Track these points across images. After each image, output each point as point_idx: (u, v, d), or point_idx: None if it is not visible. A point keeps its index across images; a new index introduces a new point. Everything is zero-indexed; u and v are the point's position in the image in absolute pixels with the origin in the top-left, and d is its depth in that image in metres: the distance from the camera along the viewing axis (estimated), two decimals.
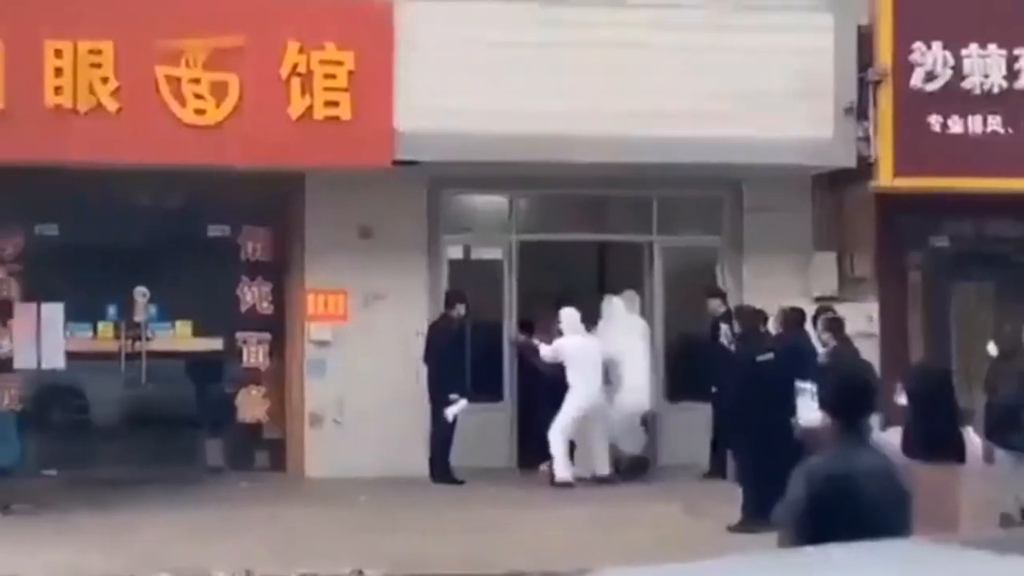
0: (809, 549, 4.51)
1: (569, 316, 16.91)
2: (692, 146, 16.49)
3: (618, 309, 17.46)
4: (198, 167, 15.84)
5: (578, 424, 16.68)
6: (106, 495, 15.38)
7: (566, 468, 16.60)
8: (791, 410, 13.49)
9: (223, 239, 17.83)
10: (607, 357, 16.87)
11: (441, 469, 16.67)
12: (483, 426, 17.25)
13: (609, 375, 17.02)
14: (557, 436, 16.59)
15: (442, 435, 16.76)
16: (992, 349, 15.74)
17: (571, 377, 16.65)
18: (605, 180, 17.60)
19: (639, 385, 17.02)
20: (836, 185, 17.92)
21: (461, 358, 17.04)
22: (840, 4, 17.08)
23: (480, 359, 17.67)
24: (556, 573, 11.81)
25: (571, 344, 16.78)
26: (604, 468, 16.92)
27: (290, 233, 17.71)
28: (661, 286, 18.42)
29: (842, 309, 16.69)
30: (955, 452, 6.49)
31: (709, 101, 16.59)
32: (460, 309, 16.98)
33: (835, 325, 15.39)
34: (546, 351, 16.87)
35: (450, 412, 16.62)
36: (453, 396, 16.62)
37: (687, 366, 17.86)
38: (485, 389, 17.64)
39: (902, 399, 11.89)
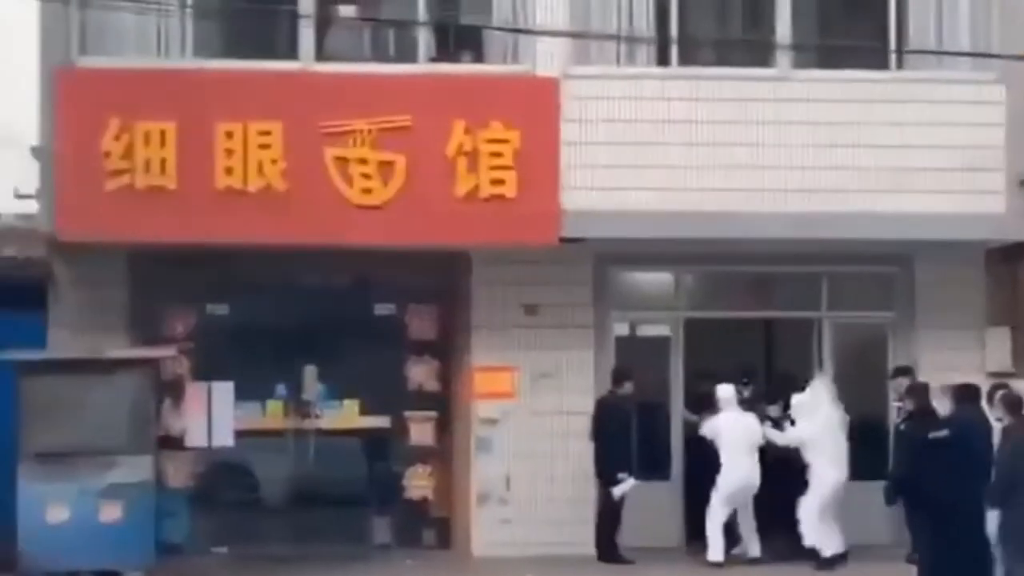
0: None
1: (724, 392, 16.68)
2: (862, 221, 16.32)
3: (822, 392, 16.84)
4: (365, 246, 15.96)
5: (729, 503, 16.47)
6: (275, 573, 15.44)
7: (717, 549, 16.33)
8: (970, 488, 13.08)
9: (390, 318, 17.92)
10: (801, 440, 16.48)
11: (608, 549, 16.50)
12: (651, 505, 17.03)
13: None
14: (710, 516, 16.42)
15: (609, 514, 16.59)
16: None
17: (722, 456, 16.46)
18: (773, 256, 17.39)
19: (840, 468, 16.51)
20: (1010, 259, 17.50)
21: (628, 436, 16.84)
22: (1012, 75, 16.74)
23: (647, 436, 17.49)
24: None
25: (724, 421, 16.54)
26: (755, 550, 16.62)
27: (457, 311, 17.74)
28: (831, 363, 18.09)
29: (1017, 385, 16.22)
30: None
31: (879, 175, 16.43)
32: (627, 386, 16.82)
33: (1011, 400, 14.94)
34: (704, 428, 16.68)
35: (618, 491, 16.47)
36: (621, 475, 16.46)
37: (864, 444, 17.41)
38: (652, 467, 17.45)
39: None
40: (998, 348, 17.80)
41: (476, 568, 16.58)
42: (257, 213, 15.67)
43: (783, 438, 16.53)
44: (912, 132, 16.47)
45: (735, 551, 16.59)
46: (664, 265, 18.03)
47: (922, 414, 14.54)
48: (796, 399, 16.64)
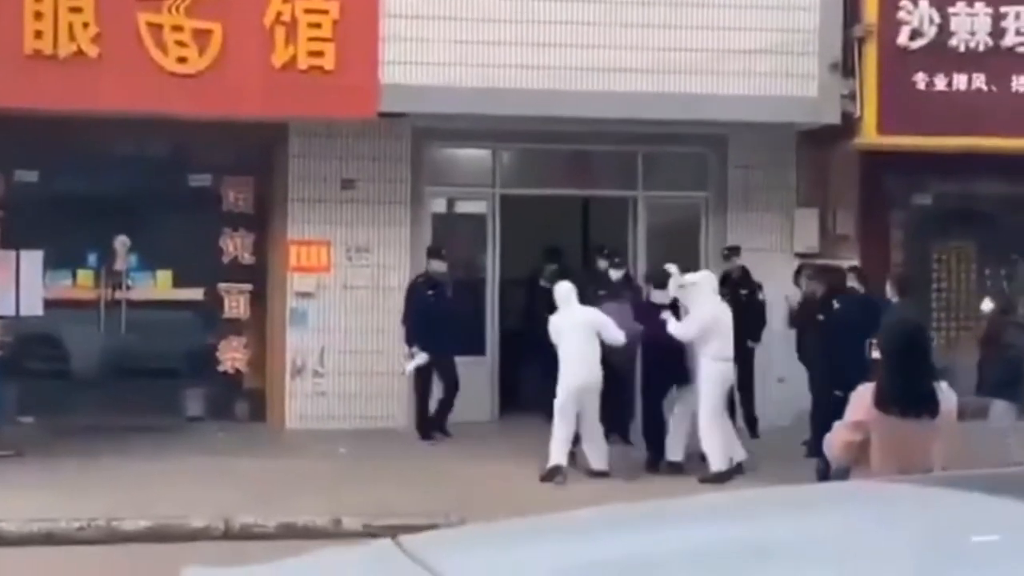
0: (767, 491, 4.46)
1: (562, 290, 14.82)
2: (677, 102, 16.47)
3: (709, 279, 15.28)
4: (180, 116, 15.74)
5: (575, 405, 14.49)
6: (85, 443, 15.34)
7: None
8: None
9: (205, 189, 17.75)
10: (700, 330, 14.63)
11: (421, 423, 16.61)
12: (467, 381, 17.20)
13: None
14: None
15: (419, 389, 16.64)
16: (987, 305, 15.85)
17: (562, 357, 14.53)
18: (590, 135, 17.55)
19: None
20: (820, 142, 17.87)
21: (430, 313, 16.52)
22: None
23: (465, 313, 17.62)
24: None
25: (565, 320, 14.68)
26: (600, 462, 14.64)
27: (273, 184, 17.63)
28: (645, 242, 18.37)
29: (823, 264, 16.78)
30: (929, 407, 6.48)
31: (695, 56, 16.58)
32: (436, 264, 16.76)
33: (900, 279, 15.46)
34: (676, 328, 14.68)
35: (409, 366, 16.46)
36: (413, 350, 16.44)
37: None
38: (470, 344, 17.61)
39: (876, 354, 11.89)
40: (806, 229, 18.23)
41: (289, 440, 16.65)
42: (68, 79, 15.32)
43: (680, 329, 14.60)
44: (727, 14, 16.63)
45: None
46: (482, 142, 18.09)
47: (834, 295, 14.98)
48: (688, 278, 15.01)
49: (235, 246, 17.80)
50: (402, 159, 17.59)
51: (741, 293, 16.57)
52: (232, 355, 17.78)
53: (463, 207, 19.04)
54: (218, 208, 17.74)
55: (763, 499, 3.71)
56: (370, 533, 12.06)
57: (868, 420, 6.03)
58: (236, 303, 17.77)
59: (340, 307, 17.27)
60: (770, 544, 2.98)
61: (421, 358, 16.30)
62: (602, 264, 16.66)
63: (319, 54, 15.96)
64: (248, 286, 17.79)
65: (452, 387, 16.52)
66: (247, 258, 17.83)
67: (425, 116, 16.61)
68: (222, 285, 17.76)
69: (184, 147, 17.18)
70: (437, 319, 16.35)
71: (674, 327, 14.54)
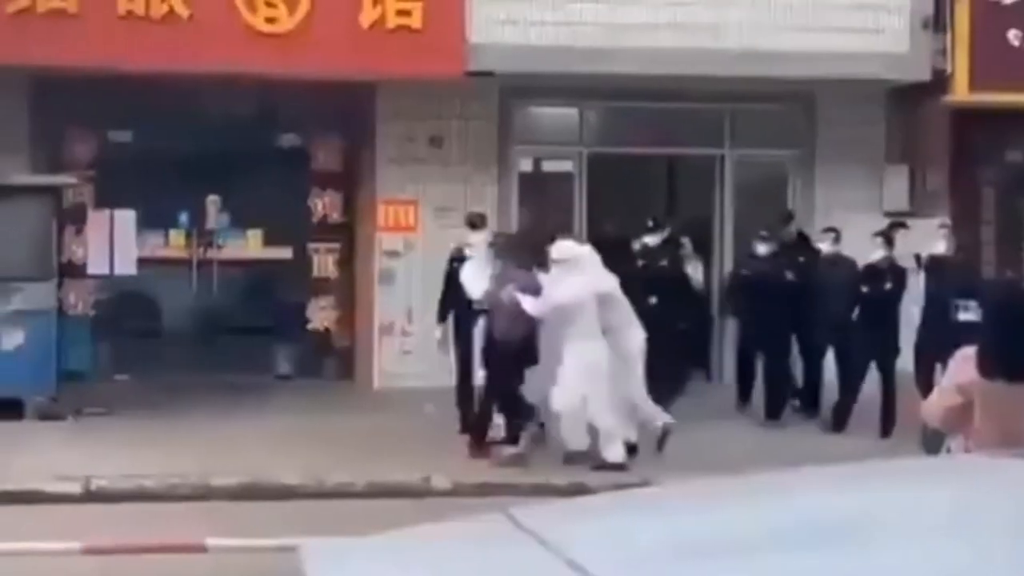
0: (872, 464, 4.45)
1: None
2: (765, 58, 16.34)
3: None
4: (269, 76, 15.82)
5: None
6: (176, 401, 15.52)
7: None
8: None
9: (295, 148, 17.88)
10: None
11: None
12: None
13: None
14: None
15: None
16: None
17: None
18: (677, 93, 17.45)
19: None
20: (911, 99, 17.70)
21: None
22: None
23: None
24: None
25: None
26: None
27: (361, 143, 17.71)
28: (732, 200, 18.30)
29: (913, 224, 16.60)
30: None
31: (784, 13, 16.44)
32: (472, 237, 14.88)
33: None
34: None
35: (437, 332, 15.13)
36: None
37: None
38: None
39: (968, 315, 11.81)
40: (896, 187, 18.07)
41: (377, 399, 16.75)
42: (159, 39, 15.44)
43: (536, 306, 13.04)
44: None
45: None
46: (569, 100, 18.06)
47: None
48: (565, 252, 13.45)
49: (324, 205, 17.94)
50: (489, 118, 17.61)
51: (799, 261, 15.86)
52: (321, 314, 17.91)
53: (550, 166, 19.02)
54: (307, 168, 17.87)
55: (876, 471, 3.71)
56: (459, 492, 12.16)
57: (971, 385, 5.96)
58: (325, 262, 17.91)
59: (427, 266, 17.29)
60: (885, 516, 2.99)
61: (437, 332, 15.11)
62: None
63: (407, 13, 15.97)
64: (337, 245, 17.91)
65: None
66: (336, 217, 17.96)
67: (513, 75, 16.58)
68: (311, 244, 17.90)
69: (274, 107, 17.27)
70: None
71: (529, 303, 12.94)
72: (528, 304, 12.92)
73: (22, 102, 16.68)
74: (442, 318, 14.83)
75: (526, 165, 18.44)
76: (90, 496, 11.83)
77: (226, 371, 17.16)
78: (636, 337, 13.34)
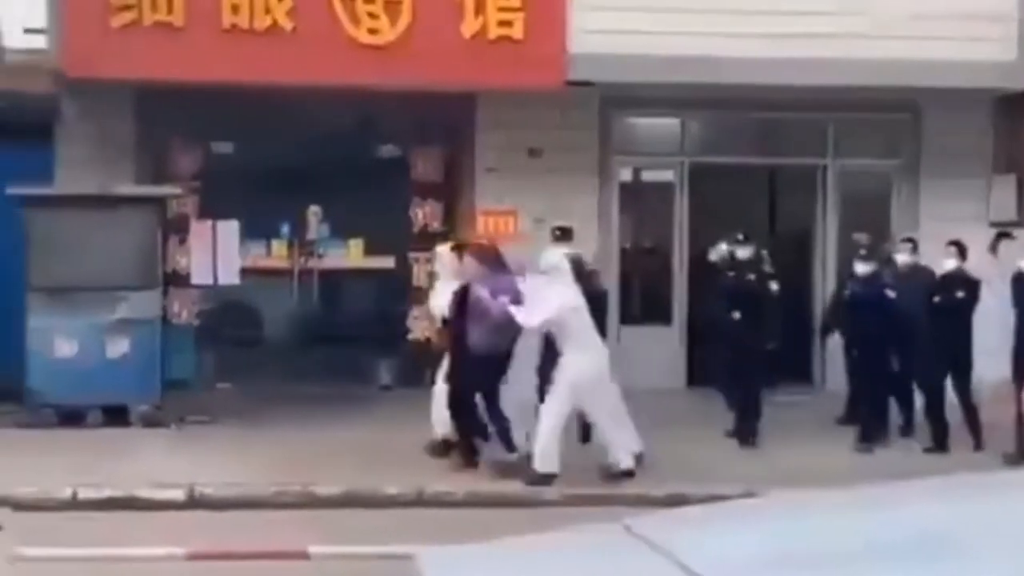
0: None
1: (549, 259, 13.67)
2: (869, 67, 16.18)
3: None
4: (371, 87, 15.90)
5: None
6: (278, 410, 15.62)
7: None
8: None
9: (395, 159, 17.97)
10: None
11: None
12: (652, 350, 17.17)
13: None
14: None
15: None
16: None
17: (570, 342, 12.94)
18: (780, 102, 17.34)
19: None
20: (1018, 108, 17.44)
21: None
22: None
23: (651, 282, 17.59)
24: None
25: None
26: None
27: (461, 153, 17.76)
28: (835, 211, 18.14)
29: (1020, 234, 16.34)
30: None
31: (889, 22, 16.27)
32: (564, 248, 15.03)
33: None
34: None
35: None
36: None
37: None
38: (655, 313, 17.58)
39: None
40: (1003, 197, 17.81)
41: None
42: (263, 51, 15.59)
43: (529, 317, 12.58)
44: None
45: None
46: (670, 110, 18.00)
47: None
48: (551, 261, 13.44)
49: (424, 215, 17.99)
50: (589, 128, 17.60)
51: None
52: (421, 324, 17.94)
53: (650, 176, 18.96)
54: (408, 178, 17.95)
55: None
56: (563, 502, 12.11)
57: None
58: (425, 272, 17.94)
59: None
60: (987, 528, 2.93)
61: None
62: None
63: (508, 23, 16.01)
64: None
65: None
66: (436, 227, 18.01)
67: (613, 85, 16.57)
68: (412, 254, 17.95)
69: (375, 117, 17.36)
70: None
71: (524, 316, 12.52)
72: (522, 317, 12.51)
73: (128, 114, 16.92)
74: None
75: (626, 175, 18.40)
76: (194, 503, 11.92)
77: (327, 381, 17.24)
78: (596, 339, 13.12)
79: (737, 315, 14.42)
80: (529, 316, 12.52)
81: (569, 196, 17.35)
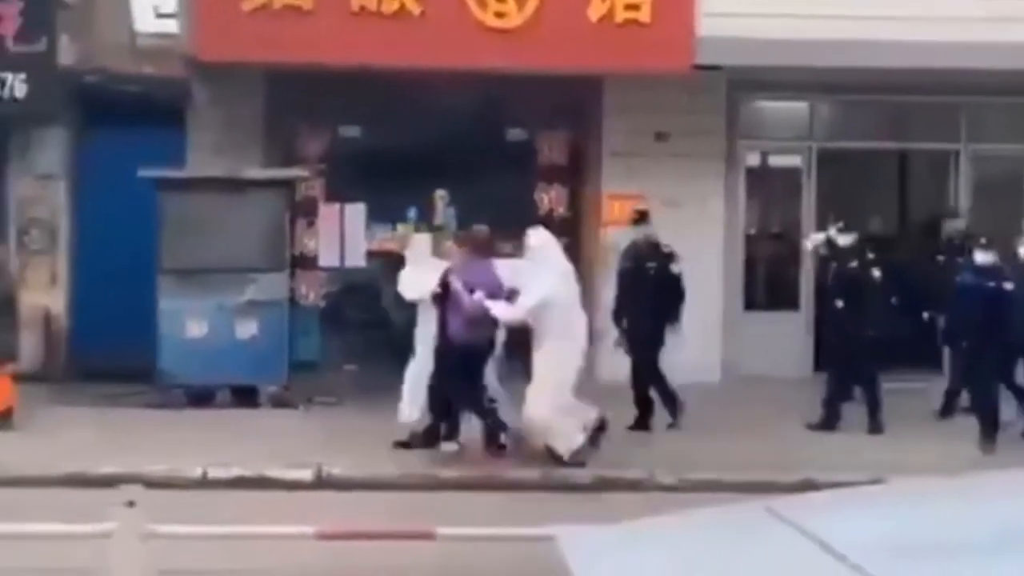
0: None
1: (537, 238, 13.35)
2: (1003, 50, 15.88)
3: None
4: (498, 71, 15.91)
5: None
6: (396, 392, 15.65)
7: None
8: None
9: (521, 143, 17.97)
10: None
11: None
12: (779, 335, 17.02)
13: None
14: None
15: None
16: None
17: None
18: (910, 86, 17.08)
19: None
20: None
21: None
22: None
23: (777, 268, 17.44)
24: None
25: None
26: None
27: (588, 137, 17.71)
28: (968, 197, 17.84)
29: None
30: None
31: (1021, 2, 15.97)
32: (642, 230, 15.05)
33: None
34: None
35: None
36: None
37: None
38: (782, 298, 17.42)
39: None
40: None
41: (601, 394, 16.61)
42: (390, 35, 15.66)
43: (506, 312, 12.56)
44: None
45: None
46: (798, 94, 17.82)
47: None
48: (535, 243, 13.11)
49: (550, 200, 17.98)
50: (716, 112, 17.46)
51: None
52: None
53: (777, 161, 18.78)
54: (534, 162, 17.94)
55: None
56: (682, 487, 12.07)
57: None
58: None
59: None
60: None
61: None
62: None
63: (636, 7, 15.93)
64: (563, 239, 17.87)
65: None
66: (561, 211, 17.98)
67: (741, 68, 16.43)
68: None
69: (501, 102, 17.36)
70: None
71: (501, 311, 12.50)
72: (499, 311, 12.46)
73: (257, 98, 17.09)
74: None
75: (753, 160, 18.24)
76: (321, 483, 12.05)
77: None
78: (580, 326, 13.00)
79: (840, 303, 14.29)
80: (507, 311, 12.42)
81: (695, 181, 17.25)
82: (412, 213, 17.98)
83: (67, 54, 16.66)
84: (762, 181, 18.33)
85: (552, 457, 12.54)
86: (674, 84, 16.65)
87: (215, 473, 12.21)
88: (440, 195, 17.82)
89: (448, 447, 12.99)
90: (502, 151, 17.86)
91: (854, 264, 14.47)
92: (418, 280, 13.38)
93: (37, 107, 16.30)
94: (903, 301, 15.26)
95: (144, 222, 15.46)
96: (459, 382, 12.90)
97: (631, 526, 2.51)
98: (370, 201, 16.75)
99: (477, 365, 12.89)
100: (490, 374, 13.21)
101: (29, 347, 16.04)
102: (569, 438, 12.60)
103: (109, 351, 15.64)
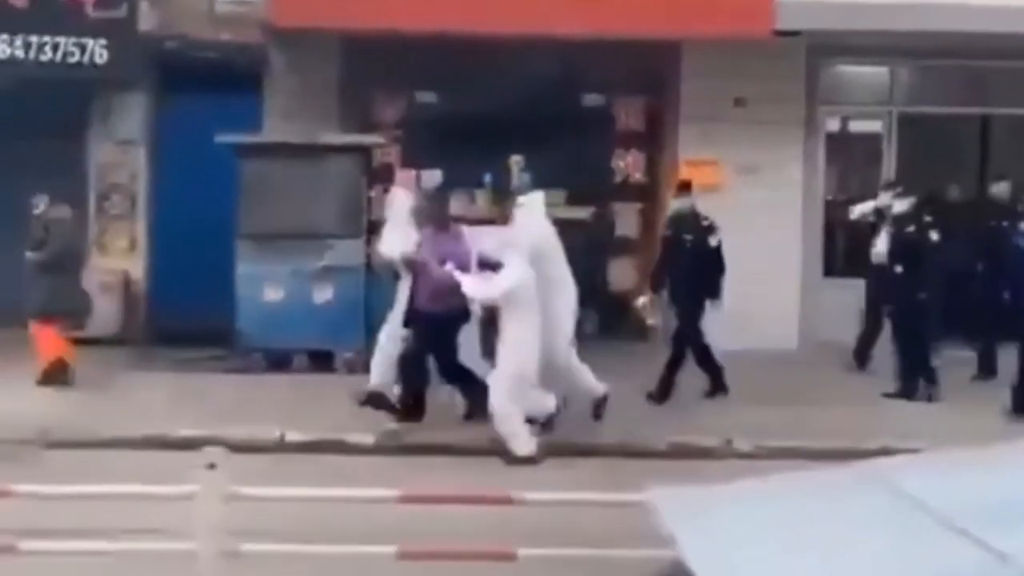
0: None
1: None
2: None
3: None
4: (575, 36, 15.82)
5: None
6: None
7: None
8: None
9: (598, 108, 17.88)
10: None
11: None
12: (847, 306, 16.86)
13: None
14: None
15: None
16: None
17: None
18: (992, 50, 16.83)
19: None
20: None
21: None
22: None
23: (856, 234, 17.23)
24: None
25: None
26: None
27: (665, 103, 17.60)
28: None
29: None
30: None
31: None
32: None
33: None
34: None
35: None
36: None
37: None
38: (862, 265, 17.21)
39: None
40: None
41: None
42: (466, 1, 15.60)
43: (479, 291, 12.22)
44: None
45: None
46: (878, 58, 17.62)
47: None
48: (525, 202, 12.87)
49: (627, 165, 17.89)
50: (796, 77, 17.29)
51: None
52: (623, 274, 17.88)
53: (857, 126, 18.59)
54: (610, 128, 17.85)
55: None
56: (759, 455, 12.01)
57: None
58: (627, 223, 17.87)
59: (730, 227, 17.06)
60: None
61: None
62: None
63: None
64: (639, 205, 17.85)
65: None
66: (638, 178, 17.90)
67: (820, 33, 16.26)
68: (614, 205, 17.87)
69: (578, 67, 17.29)
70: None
71: (471, 286, 12.15)
72: (470, 287, 12.10)
73: (333, 64, 17.10)
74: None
75: (833, 125, 18.06)
76: (401, 448, 12.11)
77: None
78: (568, 295, 12.72)
79: (899, 269, 14.15)
80: (480, 289, 12.09)
81: (773, 146, 17.11)
82: (487, 179, 17.93)
83: (147, 20, 16.73)
84: (842, 147, 18.15)
85: (505, 453, 11.94)
86: (753, 49, 16.49)
87: (293, 436, 12.29)
88: (515, 160, 17.72)
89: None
90: (579, 117, 17.78)
91: (911, 229, 14.33)
92: (396, 239, 13.14)
93: (117, 73, 16.39)
94: (985, 269, 15.11)
95: (221, 187, 15.53)
96: (431, 352, 12.72)
97: (726, 488, 2.47)
98: (445, 167, 16.73)
99: (447, 336, 12.66)
100: (471, 347, 12.93)
101: (108, 311, 16.20)
102: (525, 438, 12.05)
103: (187, 315, 15.74)
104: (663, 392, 14.07)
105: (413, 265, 12.77)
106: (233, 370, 15.12)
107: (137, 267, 17.27)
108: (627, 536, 6.44)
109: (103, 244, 17.20)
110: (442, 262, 12.46)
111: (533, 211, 12.77)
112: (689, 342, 14.24)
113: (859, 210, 15.69)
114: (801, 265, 17.15)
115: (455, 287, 12.18)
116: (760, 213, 16.93)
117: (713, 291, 14.17)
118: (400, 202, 13.54)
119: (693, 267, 14.14)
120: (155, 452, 11.59)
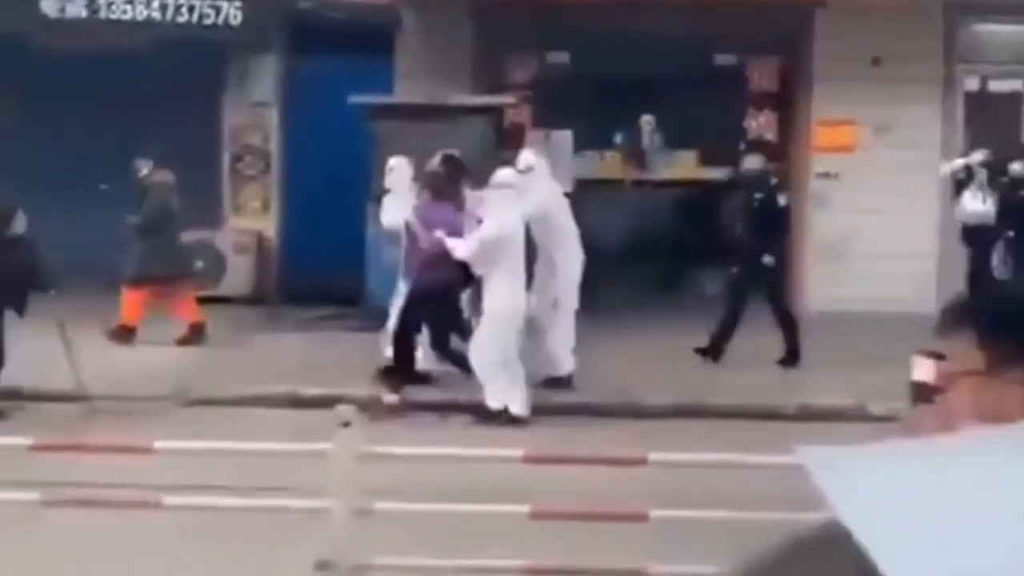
0: None
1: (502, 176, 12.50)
2: None
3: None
4: None
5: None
6: (606, 318, 15.59)
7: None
8: None
9: (731, 68, 17.70)
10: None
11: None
12: None
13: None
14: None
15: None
16: None
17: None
18: None
19: None
20: None
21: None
22: None
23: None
24: None
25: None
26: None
27: (799, 63, 17.37)
28: None
29: None
30: None
31: None
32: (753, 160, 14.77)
33: None
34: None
35: None
36: None
37: None
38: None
39: None
40: None
41: (810, 323, 16.41)
42: None
43: (460, 248, 12.01)
44: None
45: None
46: (1019, 16, 17.22)
47: None
48: (499, 179, 12.28)
49: (759, 126, 17.70)
50: (933, 36, 16.97)
51: None
52: None
53: (996, 86, 18.20)
54: (743, 88, 17.68)
55: None
56: (893, 417, 11.83)
57: None
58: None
59: (865, 187, 16.87)
60: None
61: None
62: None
63: None
64: (773, 165, 17.60)
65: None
66: (770, 138, 17.70)
67: None
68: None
69: (710, 27, 17.09)
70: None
71: (453, 245, 11.96)
72: (452, 245, 11.92)
73: (465, 25, 17.08)
74: None
75: (971, 84, 17.69)
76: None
77: (656, 290, 17.18)
78: (573, 263, 12.64)
79: (1011, 234, 13.83)
80: (458, 245, 11.90)
81: (910, 106, 16.82)
82: (618, 139, 17.86)
83: None
84: (981, 106, 17.77)
85: (484, 411, 11.84)
86: (889, 8, 16.23)
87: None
88: (647, 120, 17.66)
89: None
90: (711, 77, 17.61)
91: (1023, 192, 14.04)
92: (396, 208, 12.98)
93: (251, 34, 16.52)
94: None
95: (353, 148, 15.59)
96: (418, 323, 12.57)
97: (881, 447, 2.38)
98: (576, 128, 16.67)
99: (439, 306, 12.50)
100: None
101: (242, 271, 16.38)
102: (503, 392, 11.87)
103: (319, 275, 15.85)
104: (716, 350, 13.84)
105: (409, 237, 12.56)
106: (361, 329, 15.19)
107: (270, 228, 17.43)
108: (763, 499, 6.38)
109: (237, 205, 17.39)
110: (431, 229, 12.23)
111: (541, 174, 12.72)
112: (775, 301, 13.97)
113: (952, 166, 15.34)
114: (939, 226, 16.85)
115: (445, 256, 12.01)
116: (897, 173, 16.66)
117: (773, 250, 13.94)
118: (401, 171, 13.36)
119: (756, 226, 13.93)
120: (287, 410, 11.70)
